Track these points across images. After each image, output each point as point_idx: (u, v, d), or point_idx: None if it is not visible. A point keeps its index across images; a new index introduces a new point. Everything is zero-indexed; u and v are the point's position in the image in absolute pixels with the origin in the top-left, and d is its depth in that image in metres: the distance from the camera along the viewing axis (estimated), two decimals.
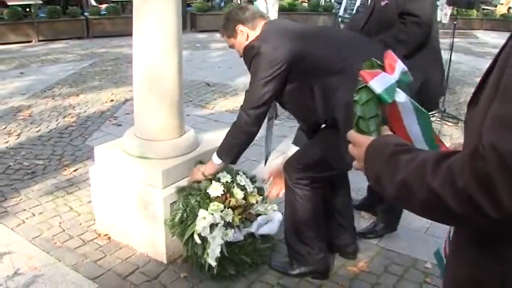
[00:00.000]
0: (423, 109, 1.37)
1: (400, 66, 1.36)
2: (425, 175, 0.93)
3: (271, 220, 2.91)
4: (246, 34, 2.64)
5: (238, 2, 13.20)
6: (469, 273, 1.05)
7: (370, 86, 1.26)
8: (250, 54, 2.56)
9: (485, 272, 1.00)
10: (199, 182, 2.81)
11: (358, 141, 1.18)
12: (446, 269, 1.19)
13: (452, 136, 5.42)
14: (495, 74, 0.98)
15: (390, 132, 1.22)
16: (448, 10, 6.08)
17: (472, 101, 1.08)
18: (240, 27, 2.64)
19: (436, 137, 1.41)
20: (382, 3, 3.12)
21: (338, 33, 2.71)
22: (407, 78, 1.37)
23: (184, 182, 2.88)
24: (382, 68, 1.34)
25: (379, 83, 1.27)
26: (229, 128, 2.69)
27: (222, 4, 13.60)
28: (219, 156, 2.71)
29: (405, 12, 3.01)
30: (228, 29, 2.69)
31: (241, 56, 2.69)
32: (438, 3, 5.90)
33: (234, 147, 2.69)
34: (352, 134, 1.23)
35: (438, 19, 5.79)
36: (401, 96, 1.33)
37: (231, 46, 2.75)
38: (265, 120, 2.74)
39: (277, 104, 2.94)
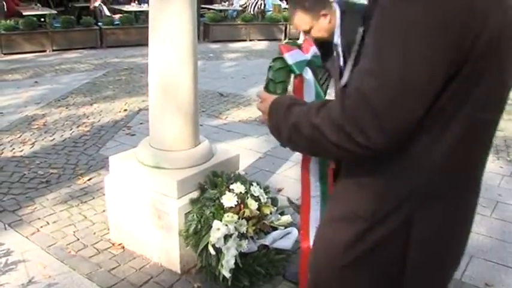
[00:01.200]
0: (322, 92, 1.74)
1: (313, 50, 1.71)
2: (310, 116, 1.18)
3: (286, 235, 2.89)
4: None
5: (252, 12, 13.28)
6: (345, 208, 1.31)
7: (284, 57, 1.61)
8: None
9: (357, 206, 1.26)
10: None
11: (266, 98, 1.45)
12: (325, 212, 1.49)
13: None
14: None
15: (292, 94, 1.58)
16: None
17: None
18: None
19: None
20: None
21: None
22: (318, 61, 1.73)
23: (198, 193, 2.88)
24: (300, 48, 1.68)
25: (292, 56, 1.61)
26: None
27: (235, 14, 13.67)
28: None
29: None
30: None
31: None
32: None
33: None
34: (261, 93, 1.55)
35: None
36: (308, 74, 1.67)
37: None
38: None
39: None
